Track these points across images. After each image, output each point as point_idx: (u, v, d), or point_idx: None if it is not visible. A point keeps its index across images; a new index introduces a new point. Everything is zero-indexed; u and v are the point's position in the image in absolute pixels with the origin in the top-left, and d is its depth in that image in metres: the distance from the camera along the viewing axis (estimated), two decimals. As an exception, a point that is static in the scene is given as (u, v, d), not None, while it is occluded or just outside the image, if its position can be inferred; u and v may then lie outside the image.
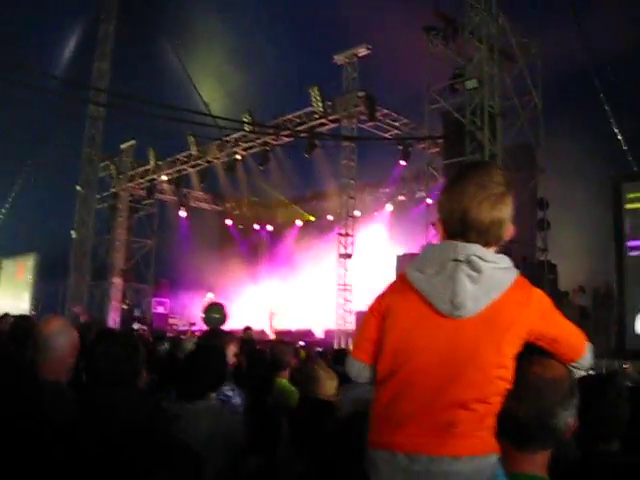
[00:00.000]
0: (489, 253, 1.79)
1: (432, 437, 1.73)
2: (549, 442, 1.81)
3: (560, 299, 15.39)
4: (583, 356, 1.85)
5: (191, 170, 22.85)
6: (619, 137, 16.05)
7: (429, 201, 16.10)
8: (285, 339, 11.49)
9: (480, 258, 1.76)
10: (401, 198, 22.10)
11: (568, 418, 1.78)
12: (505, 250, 1.91)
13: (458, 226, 1.82)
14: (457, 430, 1.71)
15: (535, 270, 14.73)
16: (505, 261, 1.80)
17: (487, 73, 14.51)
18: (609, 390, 2.44)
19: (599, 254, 13.65)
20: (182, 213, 24.38)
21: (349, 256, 18.00)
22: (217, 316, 13.37)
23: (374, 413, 1.86)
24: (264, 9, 23.89)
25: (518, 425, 1.77)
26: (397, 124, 19.00)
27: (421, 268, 1.84)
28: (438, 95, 15.52)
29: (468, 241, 1.80)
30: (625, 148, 15.96)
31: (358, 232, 18.64)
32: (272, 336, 18.46)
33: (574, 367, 1.85)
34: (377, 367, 1.89)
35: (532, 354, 1.79)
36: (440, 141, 16.37)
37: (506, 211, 1.83)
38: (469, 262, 1.76)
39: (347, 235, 18.14)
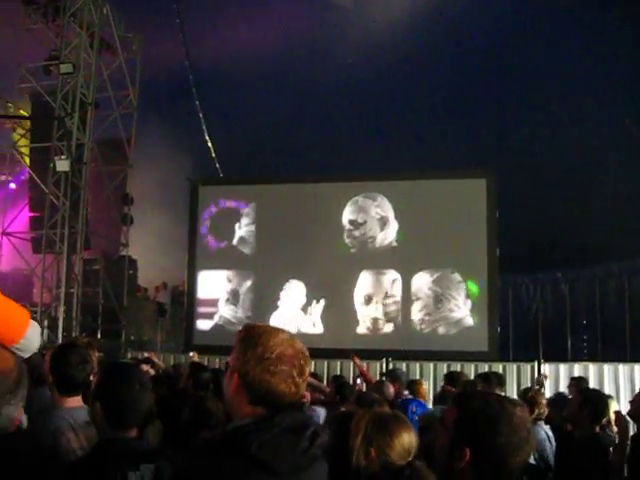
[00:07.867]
0: None
1: None
2: None
3: (138, 293, 15.72)
4: (26, 337, 1.67)
5: None
6: (209, 144, 17.01)
7: (12, 186, 15.02)
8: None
9: None
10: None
11: (12, 413, 1.58)
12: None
13: None
14: None
15: (115, 265, 14.72)
16: None
17: (84, 60, 14.18)
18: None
19: (180, 252, 14.08)
20: None
21: None
22: None
23: None
24: None
25: None
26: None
27: None
28: (30, 74, 14.62)
29: None
30: (213, 155, 16.97)
31: None
32: None
33: (18, 349, 1.66)
34: None
35: None
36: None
37: None
38: None
39: None
